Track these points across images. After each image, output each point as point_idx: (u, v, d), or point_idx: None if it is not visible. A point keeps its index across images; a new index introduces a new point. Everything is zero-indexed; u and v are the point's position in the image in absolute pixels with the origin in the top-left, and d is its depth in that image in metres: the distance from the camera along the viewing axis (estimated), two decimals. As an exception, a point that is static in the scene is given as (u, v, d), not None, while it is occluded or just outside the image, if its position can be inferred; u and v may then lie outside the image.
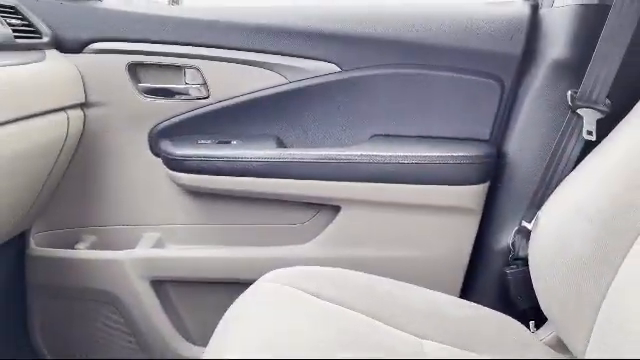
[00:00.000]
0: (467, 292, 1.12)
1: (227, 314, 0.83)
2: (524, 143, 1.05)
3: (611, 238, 0.77)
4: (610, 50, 0.92)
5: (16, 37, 0.86)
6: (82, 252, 1.11)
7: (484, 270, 1.10)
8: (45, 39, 0.95)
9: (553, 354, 0.89)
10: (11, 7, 0.91)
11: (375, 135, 1.11)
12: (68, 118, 0.97)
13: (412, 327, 0.83)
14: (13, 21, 0.88)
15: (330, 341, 0.73)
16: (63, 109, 0.95)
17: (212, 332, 0.82)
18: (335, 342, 0.74)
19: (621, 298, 0.74)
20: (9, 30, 0.84)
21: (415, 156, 1.05)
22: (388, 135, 1.10)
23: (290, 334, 0.74)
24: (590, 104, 0.94)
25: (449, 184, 1.06)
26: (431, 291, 0.94)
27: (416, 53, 1.06)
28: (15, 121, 0.80)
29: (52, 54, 0.96)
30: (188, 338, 1.16)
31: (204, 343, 1.13)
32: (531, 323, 0.97)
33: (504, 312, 0.96)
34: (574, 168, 0.91)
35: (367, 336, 0.78)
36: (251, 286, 0.87)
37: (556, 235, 0.86)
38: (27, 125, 0.84)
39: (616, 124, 0.86)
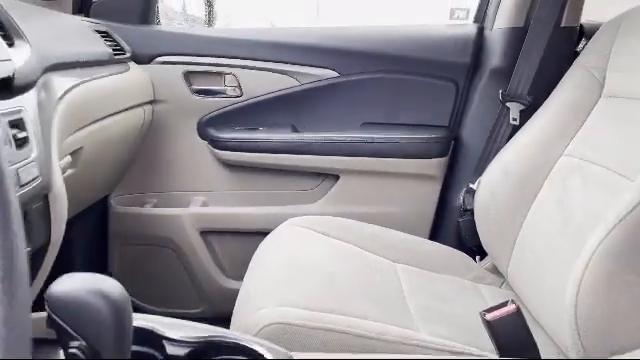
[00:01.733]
0: (433, 236, 1.43)
1: (258, 250, 1.14)
2: (472, 128, 1.38)
3: (523, 190, 1.10)
4: (528, 61, 1.25)
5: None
6: (150, 209, 1.43)
7: (445, 220, 1.43)
8: (127, 54, 1.27)
9: (489, 274, 1.21)
10: (105, 32, 1.23)
11: (364, 123, 1.43)
12: (144, 111, 1.29)
13: (388, 254, 1.13)
14: (108, 42, 1.20)
15: (332, 259, 1.04)
16: (141, 105, 1.27)
17: (242, 269, 1.08)
18: (335, 260, 1.04)
19: (529, 231, 1.06)
20: (110, 49, 1.17)
21: (394, 137, 1.38)
22: (374, 123, 1.43)
23: (305, 256, 1.04)
24: (515, 99, 1.27)
25: (418, 158, 1.39)
26: (404, 233, 1.26)
27: (394, 63, 1.39)
28: (116, 114, 1.13)
29: (132, 65, 1.28)
30: (224, 273, 1.47)
31: (235, 276, 1.45)
32: (477, 257, 1.30)
33: (459, 249, 1.28)
34: (505, 144, 1.22)
35: (357, 258, 1.08)
36: (274, 230, 1.19)
37: (490, 191, 1.17)
38: (122, 116, 1.16)
39: (534, 112, 1.18)
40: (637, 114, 0.93)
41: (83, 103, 0.93)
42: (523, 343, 0.73)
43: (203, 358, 0.64)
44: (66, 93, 0.86)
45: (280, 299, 0.83)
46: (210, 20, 1.76)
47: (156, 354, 0.64)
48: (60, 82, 0.86)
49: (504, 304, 0.76)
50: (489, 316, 0.75)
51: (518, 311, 0.74)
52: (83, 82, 0.95)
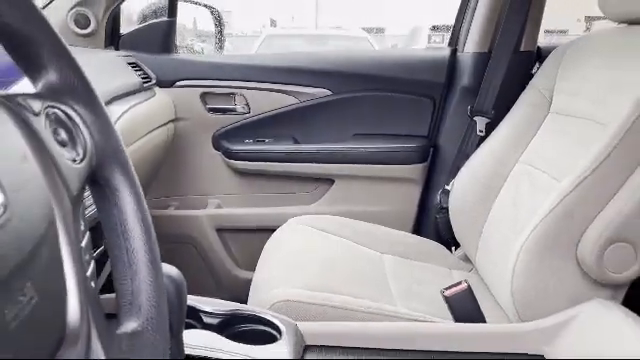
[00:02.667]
0: (416, 231, 1.64)
1: (267, 244, 1.34)
2: (447, 138, 1.58)
3: (487, 191, 1.29)
4: (492, 81, 1.45)
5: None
6: (173, 211, 1.65)
7: (425, 217, 1.64)
8: (153, 81, 1.48)
9: (461, 262, 1.41)
10: (134, 63, 1.44)
11: (355, 134, 1.64)
12: (167, 129, 1.50)
13: (377, 247, 1.32)
14: (137, 72, 1.41)
15: (329, 251, 1.24)
16: (165, 124, 1.48)
17: (252, 260, 1.27)
18: (331, 252, 1.24)
19: (491, 226, 1.26)
20: (140, 79, 1.37)
21: (380, 146, 1.59)
22: (363, 134, 1.64)
23: (306, 248, 1.25)
24: (481, 114, 1.47)
25: (402, 164, 1.60)
26: (390, 229, 1.46)
27: (380, 82, 1.60)
28: (149, 132, 1.34)
29: (157, 90, 1.49)
30: (237, 264, 1.68)
31: (247, 267, 1.66)
32: (453, 248, 1.51)
33: (437, 242, 1.48)
34: (474, 152, 1.41)
35: (350, 250, 1.28)
36: (280, 227, 1.39)
37: (461, 192, 1.38)
38: (151, 135, 1.37)
39: (497, 125, 1.38)
40: (572, 129, 1.13)
41: (128, 128, 1.14)
42: (472, 312, 0.95)
43: (230, 326, 0.85)
44: (116, 121, 1.07)
45: (287, 282, 1.04)
46: (221, 39, 1.96)
47: (196, 324, 0.85)
48: (112, 111, 1.07)
49: (459, 283, 0.98)
50: (447, 293, 0.96)
51: (468, 288, 0.95)
52: (127, 110, 1.16)
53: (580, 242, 0.91)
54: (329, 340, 0.86)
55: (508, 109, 1.34)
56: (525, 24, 1.43)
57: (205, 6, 1.89)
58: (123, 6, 1.52)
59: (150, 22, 1.59)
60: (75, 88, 0.42)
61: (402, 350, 0.85)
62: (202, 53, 2.58)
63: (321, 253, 1.22)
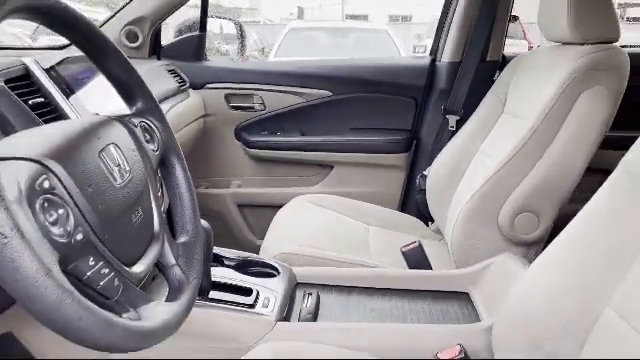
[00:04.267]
0: (402, 209, 1.94)
1: (276, 216, 1.64)
2: (426, 132, 1.88)
3: (454, 175, 1.56)
4: (461, 85, 1.75)
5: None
6: (203, 190, 1.98)
7: (409, 197, 1.95)
8: (187, 84, 1.82)
9: (433, 233, 1.71)
10: (173, 70, 1.77)
11: (351, 128, 1.95)
12: (199, 122, 1.84)
13: (364, 220, 1.61)
14: (175, 77, 1.75)
15: (324, 222, 1.55)
16: (197, 119, 1.82)
17: (266, 230, 1.55)
18: (327, 223, 1.55)
19: (455, 203, 1.54)
20: (177, 83, 1.71)
21: (372, 138, 1.90)
22: (358, 128, 1.94)
23: (306, 220, 1.55)
24: (452, 112, 1.77)
25: (390, 153, 1.90)
26: (378, 206, 1.76)
27: (372, 85, 1.90)
28: (185, 126, 1.67)
29: (191, 91, 1.83)
30: (253, 233, 2.00)
31: (261, 236, 1.97)
32: (429, 223, 1.81)
33: (418, 217, 1.78)
34: (446, 144, 1.68)
35: (342, 222, 1.58)
36: (286, 205, 1.69)
37: (435, 176, 1.66)
38: (188, 127, 1.70)
39: (464, 122, 1.67)
40: (512, 125, 1.41)
41: (170, 123, 1.48)
42: (422, 262, 1.26)
43: (243, 267, 1.18)
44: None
45: (287, 242, 1.37)
46: (242, 48, 2.28)
47: (219, 265, 1.18)
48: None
49: (413, 242, 1.29)
50: (404, 249, 1.28)
51: (419, 246, 1.27)
52: (169, 109, 1.50)
53: (500, 211, 1.22)
54: (313, 280, 1.18)
55: (474, 109, 1.62)
56: (490, 37, 1.72)
57: (230, 19, 2.21)
58: (163, 23, 1.85)
59: (185, 36, 1.92)
60: (151, 109, 0.75)
61: (366, 287, 1.17)
62: (227, 54, 2.91)
63: (317, 223, 1.53)
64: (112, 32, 1.73)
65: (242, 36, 2.29)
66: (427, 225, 1.77)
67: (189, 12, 1.99)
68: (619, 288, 0.71)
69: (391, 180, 1.94)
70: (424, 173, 1.78)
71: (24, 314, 0.88)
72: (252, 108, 1.95)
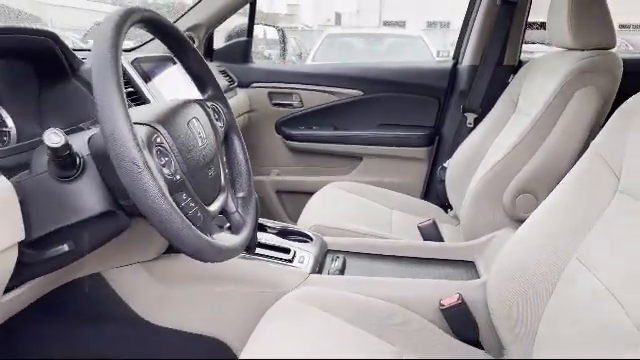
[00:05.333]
0: (424, 197, 2.13)
1: (310, 200, 1.85)
2: (447, 128, 2.06)
3: (470, 167, 1.74)
4: (479, 87, 1.92)
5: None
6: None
7: (431, 186, 2.13)
8: (235, 83, 2.06)
9: (451, 219, 1.89)
10: (224, 70, 2.02)
11: (380, 124, 2.14)
12: (244, 117, 2.07)
13: (388, 205, 1.81)
14: (225, 77, 1.99)
15: (352, 204, 1.75)
16: (243, 114, 2.05)
17: (300, 213, 1.75)
18: (354, 204, 1.75)
19: (470, 189, 1.73)
20: (227, 82, 1.95)
21: (398, 133, 2.09)
22: (386, 124, 2.14)
23: (336, 203, 1.77)
24: (470, 111, 1.95)
25: (414, 146, 2.09)
26: (402, 194, 1.96)
27: (399, 86, 2.09)
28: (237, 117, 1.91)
29: (238, 90, 2.07)
30: (289, 217, 2.21)
31: (296, 220, 2.19)
32: (449, 210, 1.99)
33: (439, 205, 1.96)
34: (465, 139, 1.88)
35: (368, 205, 1.78)
36: (319, 190, 1.90)
37: (454, 168, 1.84)
38: (236, 121, 1.94)
39: (482, 120, 1.85)
40: (520, 121, 1.58)
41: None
42: (435, 236, 1.45)
43: (282, 234, 1.39)
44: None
45: (320, 217, 1.58)
46: (284, 53, 2.52)
47: (263, 232, 1.40)
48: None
49: (429, 220, 1.48)
50: (420, 224, 1.47)
51: (434, 222, 1.46)
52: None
53: (504, 193, 1.40)
54: (341, 247, 1.38)
55: (491, 108, 1.80)
56: (506, 43, 1.89)
57: (274, 27, 2.45)
58: (216, 29, 2.10)
59: (234, 40, 2.17)
60: (219, 96, 0.98)
61: (384, 255, 1.36)
62: (270, 57, 3.16)
63: (346, 205, 1.73)
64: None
65: (284, 42, 2.52)
66: (446, 212, 1.95)
67: (237, 20, 2.23)
68: (583, 243, 0.89)
69: (414, 171, 2.13)
70: (444, 165, 1.95)
71: (111, 256, 1.11)
72: (291, 105, 2.17)
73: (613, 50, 1.41)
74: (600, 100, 1.32)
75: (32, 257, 0.77)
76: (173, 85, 1.41)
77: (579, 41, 1.40)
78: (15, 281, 0.78)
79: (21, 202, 0.72)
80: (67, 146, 0.67)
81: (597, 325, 0.78)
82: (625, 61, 1.39)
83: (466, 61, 2.00)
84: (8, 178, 0.72)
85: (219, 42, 2.19)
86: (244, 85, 2.13)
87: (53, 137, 0.65)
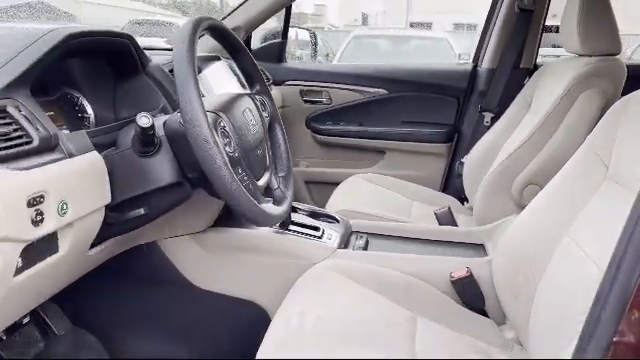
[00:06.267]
0: (443, 190, 2.26)
1: (336, 190, 1.99)
2: (466, 126, 2.19)
3: (486, 162, 1.86)
4: (496, 88, 2.05)
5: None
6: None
7: (449, 180, 2.26)
8: (270, 81, 2.22)
9: (466, 210, 2.03)
10: (261, 69, 2.18)
11: (403, 121, 2.28)
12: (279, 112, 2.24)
13: (409, 195, 1.96)
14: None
15: (373, 194, 1.91)
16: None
17: (327, 202, 1.94)
18: (375, 195, 1.91)
19: (492, 175, 1.84)
20: (263, 80, 2.12)
21: (420, 130, 2.23)
22: (408, 121, 2.28)
23: (359, 191, 1.92)
24: (488, 110, 2.07)
25: (435, 142, 2.22)
26: (422, 186, 2.09)
27: (422, 86, 2.23)
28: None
29: (273, 87, 2.23)
30: (316, 205, 2.37)
31: (323, 205, 2.36)
32: (465, 202, 2.12)
33: (456, 197, 2.10)
34: (482, 137, 2.01)
35: (389, 196, 1.93)
36: (344, 181, 2.06)
37: (471, 163, 1.97)
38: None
39: (498, 119, 1.97)
40: (531, 121, 1.71)
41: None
42: (450, 221, 1.59)
43: (314, 216, 1.55)
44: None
45: (345, 203, 1.73)
46: (315, 54, 2.68)
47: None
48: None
49: (444, 207, 1.62)
50: (436, 211, 1.61)
51: (449, 209, 1.60)
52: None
53: (513, 184, 1.53)
54: (364, 229, 1.53)
55: (506, 108, 1.91)
56: (523, 47, 2.01)
57: (306, 29, 2.62)
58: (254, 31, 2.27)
59: (270, 42, 2.34)
60: (265, 91, 1.15)
61: (403, 237, 1.50)
62: (301, 57, 3.33)
63: (369, 194, 1.88)
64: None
65: (315, 43, 2.69)
66: (462, 204, 2.08)
67: (271, 22, 2.40)
68: (574, 222, 1.02)
69: (434, 166, 2.26)
70: (462, 160, 2.08)
71: (168, 227, 1.28)
72: (321, 102, 2.33)
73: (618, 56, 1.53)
74: (602, 102, 1.44)
75: (114, 218, 0.94)
76: (220, 80, 1.59)
77: (587, 47, 1.52)
78: (99, 238, 0.96)
79: (109, 172, 0.90)
80: (152, 127, 0.84)
81: (582, 290, 0.92)
82: (629, 67, 1.51)
83: (485, 64, 2.12)
84: (99, 152, 0.90)
85: (255, 43, 2.36)
86: (278, 83, 2.29)
87: (144, 119, 0.82)
